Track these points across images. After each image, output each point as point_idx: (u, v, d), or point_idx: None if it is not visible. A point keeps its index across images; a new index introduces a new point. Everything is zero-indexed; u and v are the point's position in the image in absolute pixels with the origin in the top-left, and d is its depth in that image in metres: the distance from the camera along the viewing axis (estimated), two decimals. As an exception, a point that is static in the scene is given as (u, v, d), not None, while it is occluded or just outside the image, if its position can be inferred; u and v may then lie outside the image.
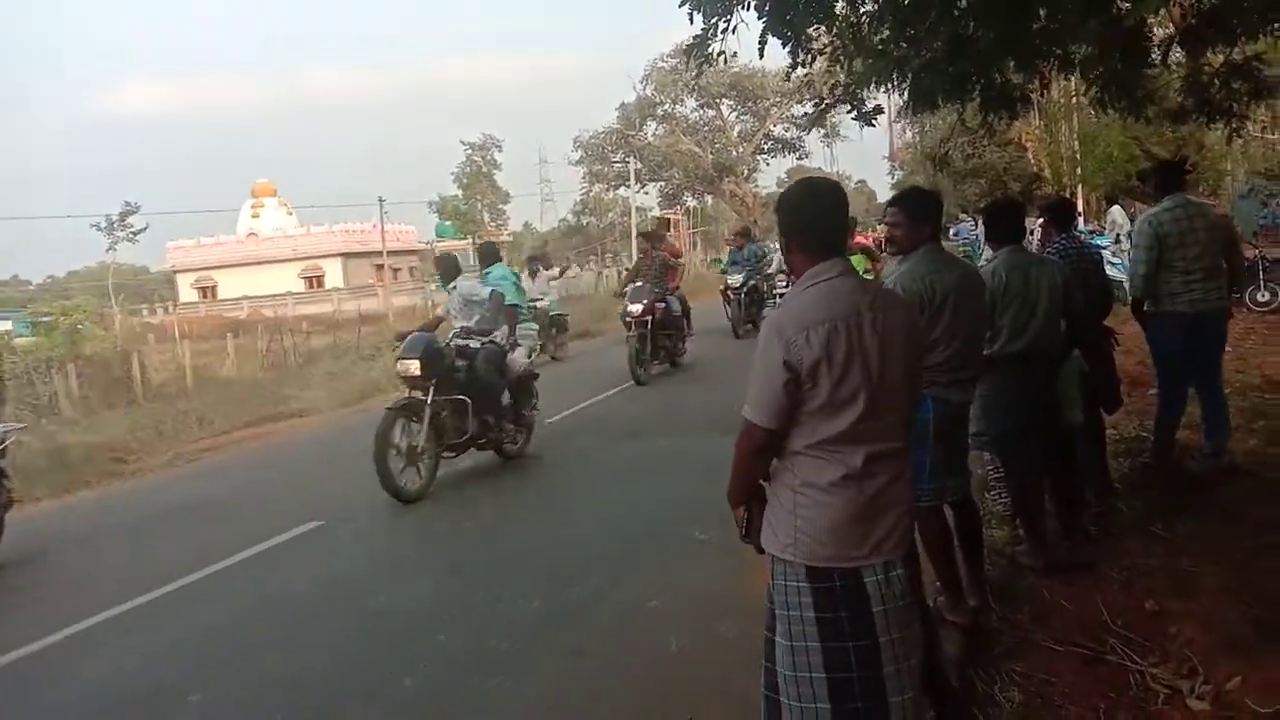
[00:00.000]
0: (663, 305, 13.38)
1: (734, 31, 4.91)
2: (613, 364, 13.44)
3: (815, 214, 2.49)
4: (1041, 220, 6.55)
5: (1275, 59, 6.24)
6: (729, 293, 16.92)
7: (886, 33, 5.08)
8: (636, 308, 12.80)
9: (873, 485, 2.35)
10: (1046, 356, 4.63)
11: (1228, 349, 9.54)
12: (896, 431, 2.42)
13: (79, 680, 4.71)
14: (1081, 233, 18.90)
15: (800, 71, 5.70)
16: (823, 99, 6.25)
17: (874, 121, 5.76)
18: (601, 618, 4.86)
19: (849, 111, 5.84)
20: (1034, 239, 16.54)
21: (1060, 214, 5.99)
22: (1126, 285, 6.19)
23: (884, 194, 69.78)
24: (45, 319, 32.15)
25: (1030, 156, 28.48)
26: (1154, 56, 5.46)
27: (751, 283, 16.69)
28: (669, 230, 20.31)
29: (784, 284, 13.71)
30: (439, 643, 4.70)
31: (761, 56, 5.13)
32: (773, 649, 2.43)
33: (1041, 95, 6.21)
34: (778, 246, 7.61)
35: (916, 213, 4.06)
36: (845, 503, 2.32)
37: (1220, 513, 5.17)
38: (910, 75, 4.89)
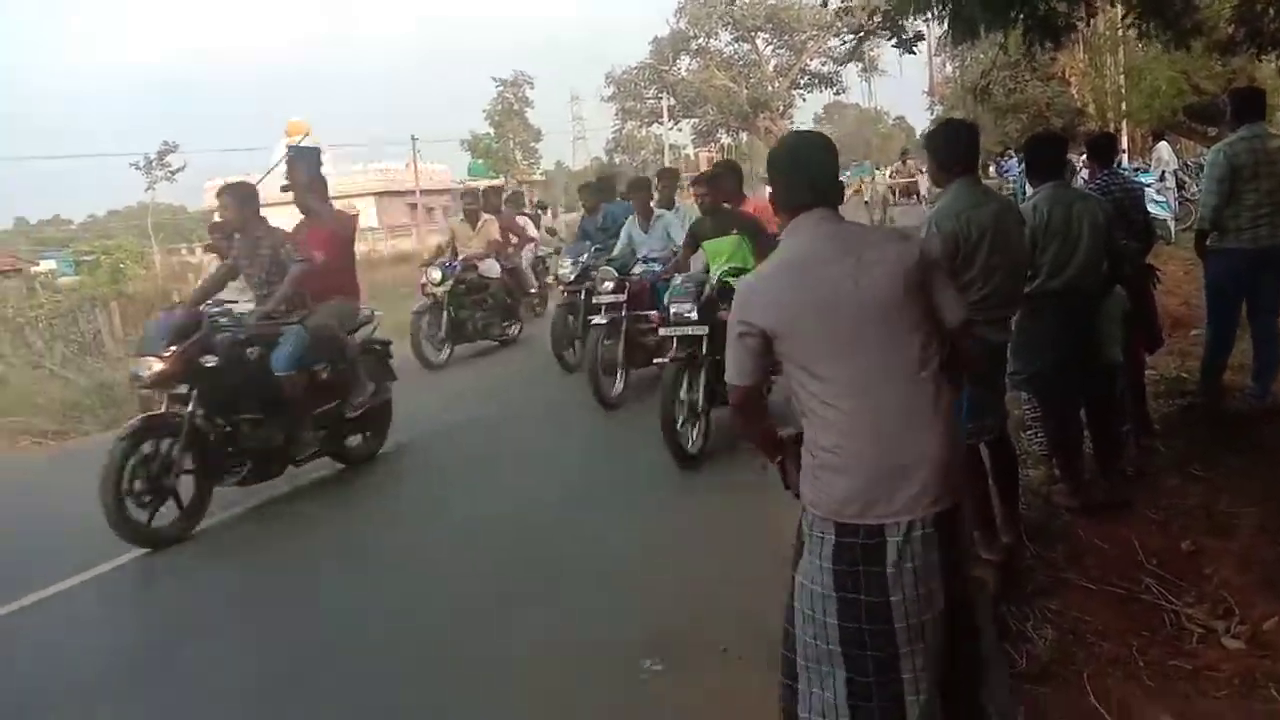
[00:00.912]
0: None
1: None
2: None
3: (787, 169, 2.47)
4: (1085, 156, 6.38)
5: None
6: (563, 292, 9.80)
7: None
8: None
9: (892, 440, 2.27)
10: (1086, 294, 4.56)
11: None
12: (912, 378, 2.30)
13: (133, 607, 4.88)
14: (1126, 170, 18.48)
15: (837, 1, 5.57)
16: (862, 27, 6.08)
17: (915, 49, 5.63)
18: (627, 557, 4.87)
19: (890, 39, 5.69)
20: (1081, 176, 16.28)
21: (1102, 149, 5.87)
22: (1171, 224, 6.04)
23: (923, 130, 68.48)
24: (88, 258, 32.64)
25: (1074, 91, 27.64)
26: None
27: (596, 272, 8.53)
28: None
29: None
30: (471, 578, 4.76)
31: None
32: (793, 586, 2.42)
33: (1087, 24, 5.99)
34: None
35: (941, 152, 4.00)
36: (861, 460, 2.27)
37: (1262, 454, 5.11)
38: (951, 1, 4.75)
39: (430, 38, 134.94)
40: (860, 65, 47.76)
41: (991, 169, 30.72)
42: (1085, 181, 6.13)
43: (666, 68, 46.44)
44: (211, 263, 8.66)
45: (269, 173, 8.36)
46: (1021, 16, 5.01)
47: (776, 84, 47.75)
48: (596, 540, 5.09)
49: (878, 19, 5.86)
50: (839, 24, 43.72)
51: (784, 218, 2.47)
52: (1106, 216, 4.62)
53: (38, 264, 38.15)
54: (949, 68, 34.61)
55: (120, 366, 12.27)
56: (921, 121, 64.36)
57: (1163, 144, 17.08)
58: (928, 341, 2.34)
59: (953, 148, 3.99)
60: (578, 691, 3.60)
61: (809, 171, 2.44)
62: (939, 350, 2.37)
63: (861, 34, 6.77)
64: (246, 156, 50.41)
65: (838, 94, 52.39)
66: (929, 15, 5.17)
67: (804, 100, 52.63)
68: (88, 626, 4.74)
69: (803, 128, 57.25)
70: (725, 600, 4.17)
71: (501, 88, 47.15)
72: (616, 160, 60.02)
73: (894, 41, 5.90)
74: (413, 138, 41.10)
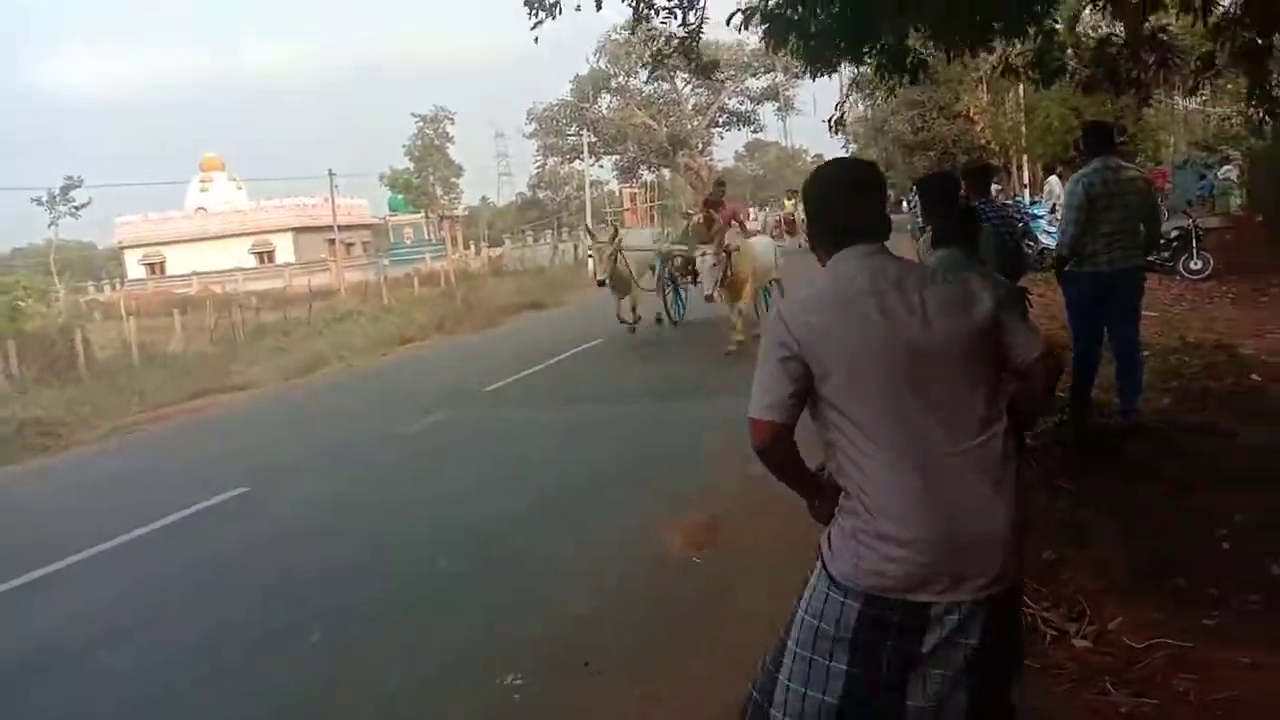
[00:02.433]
0: None
1: None
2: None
3: (828, 198, 2.18)
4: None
5: (1181, 31, 6.38)
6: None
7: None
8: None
9: (951, 510, 1.91)
10: None
11: (1154, 313, 9.86)
12: (977, 438, 1.95)
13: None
14: (1019, 201, 19.17)
15: (755, 42, 5.84)
16: (660, 52, 6.34)
17: (714, 75, 6.02)
18: (514, 574, 4.93)
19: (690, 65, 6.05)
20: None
21: (978, 178, 6.14)
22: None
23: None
24: (-13, 295, 31.38)
25: (978, 129, 28.76)
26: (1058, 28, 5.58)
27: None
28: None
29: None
30: (350, 600, 4.76)
31: (599, 8, 5.34)
32: (780, 654, 2.11)
33: (951, 62, 6.31)
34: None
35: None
36: (911, 530, 1.90)
37: (1125, 468, 5.33)
38: (805, 39, 4.96)
39: (349, 73, 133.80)
40: (776, 104, 48.90)
41: (903, 204, 31.67)
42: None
43: (587, 105, 46.92)
44: None
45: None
46: (874, 52, 5.23)
47: (695, 122, 48.56)
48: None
49: (674, 44, 6.13)
50: (755, 65, 44.97)
51: (821, 252, 2.18)
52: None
53: (-69, 302, 36.47)
54: (860, 106, 35.70)
55: (12, 405, 11.89)
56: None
57: (1053, 178, 17.87)
58: (993, 397, 2.00)
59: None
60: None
61: (855, 202, 2.15)
62: (1003, 409, 2.03)
63: (659, 58, 7.12)
64: (161, 191, 48.94)
65: (755, 132, 53.49)
66: (785, 50, 5.37)
67: (722, 138, 53.61)
68: None
69: (722, 164, 58.45)
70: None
71: (422, 124, 46.96)
72: (540, 195, 60.18)
73: (694, 69, 6.26)
74: (330, 172, 40.63)
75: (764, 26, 5.20)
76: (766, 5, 5.09)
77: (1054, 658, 3.54)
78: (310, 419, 10.24)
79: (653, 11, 5.37)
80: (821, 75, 5.75)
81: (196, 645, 4.42)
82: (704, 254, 11.07)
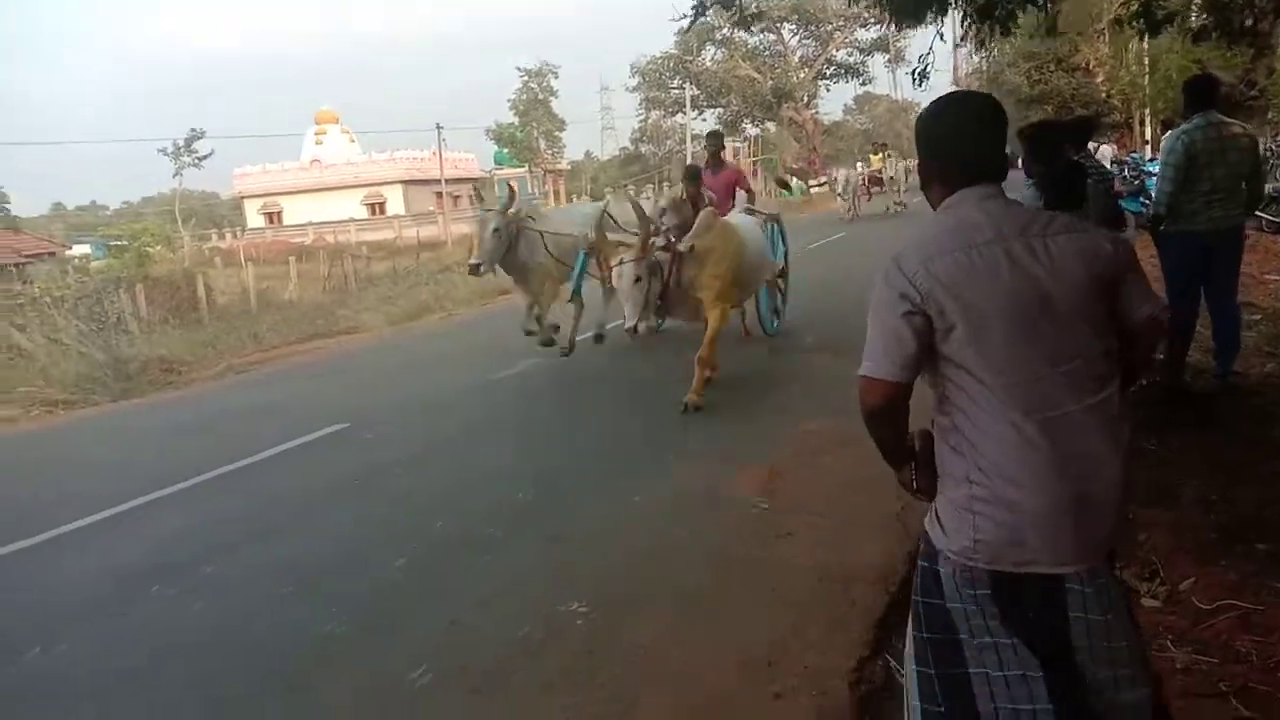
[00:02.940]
0: None
1: None
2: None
3: (950, 135, 2.02)
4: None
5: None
6: None
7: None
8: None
9: (1073, 468, 1.83)
10: None
11: (1267, 275, 9.38)
12: (1096, 394, 1.87)
13: (108, 554, 5.18)
14: (1137, 159, 18.29)
15: None
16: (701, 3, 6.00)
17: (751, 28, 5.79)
18: (584, 511, 5.14)
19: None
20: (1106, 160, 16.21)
21: (1077, 133, 6.01)
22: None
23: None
24: (119, 243, 33.37)
25: (1098, 82, 27.44)
26: None
27: None
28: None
29: None
30: (434, 528, 5.05)
31: None
32: (935, 647, 1.97)
33: (1047, 10, 6.04)
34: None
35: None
36: (1037, 496, 1.83)
37: (1217, 431, 5.20)
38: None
39: (461, 26, 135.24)
40: (886, 56, 47.46)
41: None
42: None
43: (690, 58, 46.39)
44: None
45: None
46: (959, 3, 5.10)
47: (801, 74, 47.51)
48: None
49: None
50: (865, 15, 43.63)
51: (939, 190, 2.04)
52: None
53: (71, 248, 39.05)
54: (975, 58, 34.44)
55: (140, 344, 12.74)
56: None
57: (1170, 133, 16.91)
58: (1109, 352, 1.93)
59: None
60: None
61: (978, 140, 2.01)
62: (1117, 365, 1.96)
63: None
64: (277, 144, 50.77)
65: (863, 85, 52.03)
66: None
67: (828, 90, 52.34)
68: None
69: (829, 118, 57.15)
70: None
71: (526, 78, 47.34)
72: (642, 150, 60.09)
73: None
74: (438, 126, 41.42)
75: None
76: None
77: (1118, 615, 3.54)
78: (409, 363, 10.66)
79: None
80: (907, 28, 5.63)
81: (291, 563, 4.77)
82: (620, 261, 6.69)
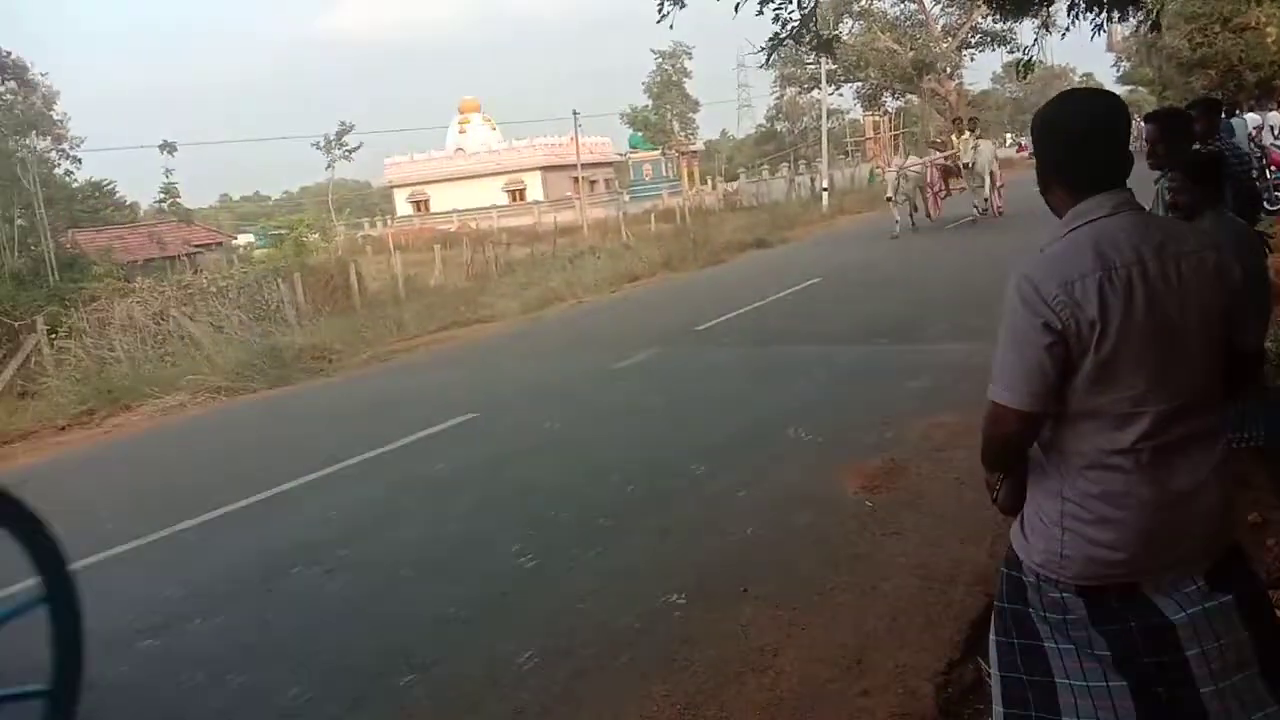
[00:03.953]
0: None
1: None
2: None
3: (1077, 137, 1.89)
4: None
5: None
6: None
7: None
8: None
9: (1174, 489, 1.80)
10: None
11: None
12: (1205, 414, 1.84)
13: (258, 535, 5.69)
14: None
15: None
16: (777, 35, 5.81)
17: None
18: (694, 504, 5.29)
19: None
20: (1270, 134, 15.04)
21: (1207, 114, 5.66)
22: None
23: (1111, 89, 64.03)
24: (279, 232, 35.55)
25: (1270, 42, 25.29)
26: None
27: None
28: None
29: None
30: (550, 517, 5.33)
31: None
32: (1023, 652, 1.97)
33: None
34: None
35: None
36: (1134, 519, 1.80)
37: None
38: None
39: (603, 10, 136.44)
40: (1036, 21, 45.04)
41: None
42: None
43: (827, 31, 45.50)
44: None
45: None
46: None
47: (944, 44, 45.73)
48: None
49: None
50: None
51: (1061, 197, 1.92)
52: None
53: (237, 238, 41.80)
54: (1131, 20, 32.23)
55: (295, 333, 13.65)
56: (1108, 78, 60.26)
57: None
58: (1220, 378, 1.88)
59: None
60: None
61: (1105, 142, 1.89)
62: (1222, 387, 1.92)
63: None
64: (423, 135, 52.77)
65: (1011, 52, 49.55)
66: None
67: (973, 59, 50.11)
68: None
69: (976, 88, 54.75)
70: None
71: (660, 60, 47.46)
72: (778, 127, 59.36)
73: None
74: (574, 112, 41.99)
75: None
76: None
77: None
78: (537, 352, 11.07)
79: None
80: (1013, 20, 5.43)
81: (419, 547, 5.14)
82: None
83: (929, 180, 21.74)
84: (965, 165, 20.37)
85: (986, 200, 20.37)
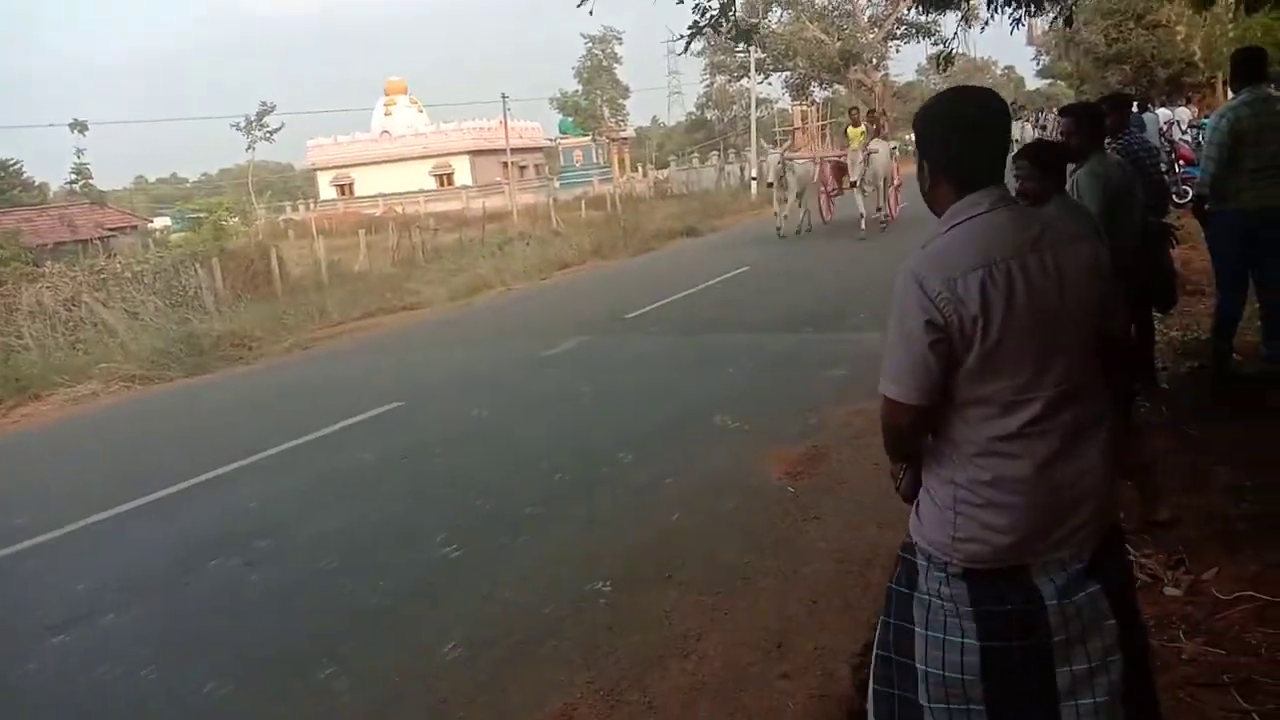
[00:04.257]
0: None
1: None
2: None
3: (962, 132, 1.95)
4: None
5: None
6: None
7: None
8: None
9: (1061, 473, 1.87)
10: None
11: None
12: (1090, 398, 1.92)
13: (175, 528, 5.56)
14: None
15: None
16: (696, 24, 5.89)
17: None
18: (620, 491, 5.33)
19: None
20: (1179, 129, 15.55)
21: (1117, 110, 5.86)
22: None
23: (1031, 82, 65.82)
24: (197, 214, 34.44)
25: (1180, 40, 26.32)
26: None
27: None
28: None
29: None
30: (475, 506, 5.31)
31: None
32: (896, 633, 2.03)
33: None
34: None
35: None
36: (1023, 503, 1.86)
37: (1262, 418, 5.13)
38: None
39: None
40: (959, 14, 46.02)
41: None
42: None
43: (756, 19, 45.75)
44: None
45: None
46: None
47: (871, 35, 46.42)
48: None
49: None
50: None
51: (947, 194, 1.96)
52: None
53: (152, 221, 40.41)
54: (1049, 15, 33.15)
55: (213, 319, 13.29)
56: (1029, 71, 61.81)
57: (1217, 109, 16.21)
58: (1100, 356, 1.96)
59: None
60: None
61: (993, 139, 1.95)
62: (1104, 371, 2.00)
63: None
64: (348, 117, 51.61)
65: (935, 44, 50.59)
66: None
67: (898, 51, 51.02)
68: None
69: (902, 79, 55.72)
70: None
71: (590, 45, 47.25)
72: (708, 115, 59.59)
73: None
74: (503, 96, 41.55)
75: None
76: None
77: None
78: (465, 339, 10.98)
79: None
80: (936, 11, 5.57)
81: (341, 538, 5.08)
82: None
83: (822, 177, 19.04)
84: (853, 181, 17.18)
85: (880, 210, 17.41)
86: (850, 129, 18.44)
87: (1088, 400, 1.91)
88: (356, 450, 6.66)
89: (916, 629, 1.97)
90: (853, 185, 17.17)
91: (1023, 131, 19.79)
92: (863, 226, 16.36)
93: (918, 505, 2.02)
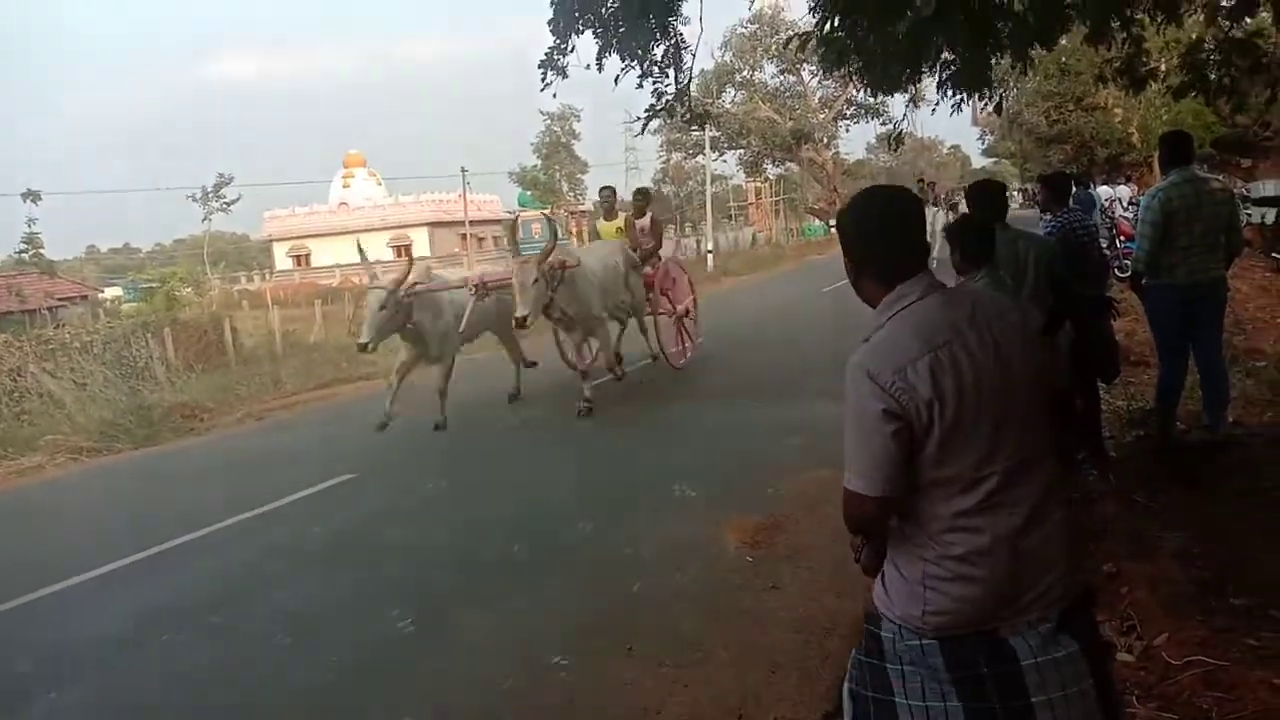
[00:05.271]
0: None
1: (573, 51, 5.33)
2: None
3: (882, 235, 2.07)
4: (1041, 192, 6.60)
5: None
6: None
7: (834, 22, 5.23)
8: None
9: (1025, 542, 1.92)
10: None
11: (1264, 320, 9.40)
12: (1043, 468, 1.98)
13: (122, 602, 5.38)
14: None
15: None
16: (653, 107, 6.16)
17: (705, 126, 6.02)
18: (577, 562, 5.30)
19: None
20: (1120, 206, 16.12)
21: (1055, 188, 6.10)
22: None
23: (977, 160, 68.18)
24: (150, 284, 34.05)
25: (1118, 122, 27.50)
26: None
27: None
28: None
29: None
30: (430, 579, 5.24)
31: (600, 70, 5.61)
32: (876, 706, 2.03)
33: (1025, 73, 6.29)
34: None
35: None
36: (990, 574, 1.90)
37: (1205, 484, 5.25)
38: (863, 62, 5.08)
39: (485, 69, 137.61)
40: (907, 96, 47.68)
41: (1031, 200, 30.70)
42: (1041, 219, 6.37)
43: (710, 100, 47.00)
44: None
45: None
46: (934, 67, 5.29)
47: (821, 115, 47.90)
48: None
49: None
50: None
51: (871, 286, 2.06)
52: (1050, 253, 4.87)
53: (104, 291, 39.85)
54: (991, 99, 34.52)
55: (165, 390, 13.06)
56: (974, 150, 63.96)
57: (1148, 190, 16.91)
58: (1048, 422, 2.03)
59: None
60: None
61: (904, 232, 2.07)
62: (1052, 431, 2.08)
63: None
64: (308, 187, 51.69)
65: (884, 124, 52.29)
66: (848, 68, 5.47)
67: (848, 131, 52.63)
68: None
69: (851, 157, 57.38)
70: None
71: (549, 121, 48.13)
72: (665, 190, 60.70)
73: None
74: (463, 170, 42.27)
75: (820, 51, 5.33)
76: (822, 31, 5.21)
77: (1091, 670, 3.62)
78: (420, 407, 10.78)
79: (651, 67, 5.59)
80: (884, 95, 5.83)
81: (291, 613, 4.96)
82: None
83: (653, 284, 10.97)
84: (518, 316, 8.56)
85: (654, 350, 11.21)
86: (601, 221, 11.62)
87: (1043, 468, 1.97)
88: (310, 523, 6.54)
89: (898, 700, 1.99)
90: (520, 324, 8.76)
91: (934, 218, 17.94)
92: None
93: (884, 579, 2.04)
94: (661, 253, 11.46)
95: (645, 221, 11.18)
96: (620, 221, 11.17)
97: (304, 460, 8.48)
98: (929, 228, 15.36)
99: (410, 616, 4.69)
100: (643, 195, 12.08)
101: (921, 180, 23.70)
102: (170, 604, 5.24)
